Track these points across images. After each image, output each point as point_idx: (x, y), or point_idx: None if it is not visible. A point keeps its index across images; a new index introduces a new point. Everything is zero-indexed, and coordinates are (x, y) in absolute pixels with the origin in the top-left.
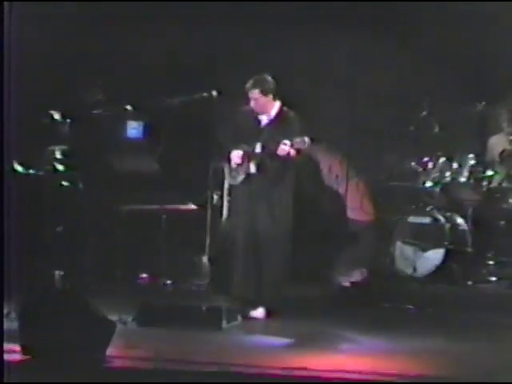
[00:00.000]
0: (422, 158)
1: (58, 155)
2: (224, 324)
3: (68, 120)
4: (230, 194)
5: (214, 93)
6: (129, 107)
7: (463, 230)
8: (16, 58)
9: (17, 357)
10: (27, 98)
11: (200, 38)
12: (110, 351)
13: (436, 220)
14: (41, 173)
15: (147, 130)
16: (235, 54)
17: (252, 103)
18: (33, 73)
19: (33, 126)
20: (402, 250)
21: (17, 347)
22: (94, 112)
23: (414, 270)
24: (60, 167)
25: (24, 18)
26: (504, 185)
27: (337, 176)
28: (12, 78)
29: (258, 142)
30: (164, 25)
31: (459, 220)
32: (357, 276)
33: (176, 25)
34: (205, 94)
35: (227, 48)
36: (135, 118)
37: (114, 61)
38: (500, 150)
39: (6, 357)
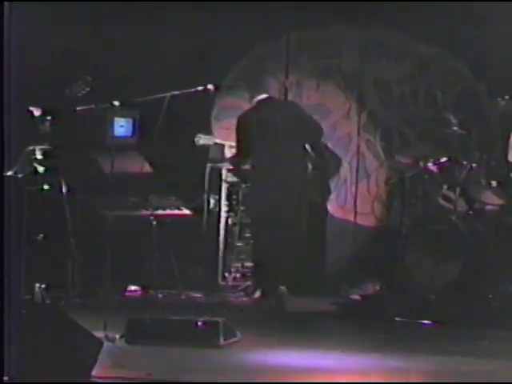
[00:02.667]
0: (439, 159)
1: (39, 156)
2: (221, 340)
3: (49, 117)
4: (228, 198)
5: (210, 86)
6: (116, 103)
7: (485, 239)
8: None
9: None
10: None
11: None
12: (96, 372)
13: (455, 227)
14: (19, 175)
15: (136, 127)
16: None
17: None
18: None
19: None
20: (418, 261)
21: None
22: (79, 108)
23: (431, 282)
24: (41, 169)
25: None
26: None
27: (345, 180)
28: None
29: None
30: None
31: (480, 227)
32: (368, 288)
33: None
34: (200, 88)
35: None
36: (123, 115)
37: (105, 55)
38: None
39: None
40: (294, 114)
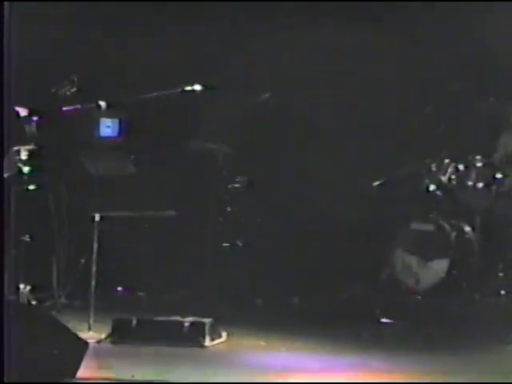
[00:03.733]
0: (425, 159)
1: (24, 156)
2: (207, 341)
3: (35, 117)
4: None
5: (198, 87)
6: (102, 103)
7: (470, 239)
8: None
9: None
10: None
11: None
12: (82, 373)
13: (440, 227)
14: (5, 175)
15: (123, 128)
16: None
17: None
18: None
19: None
20: (404, 260)
21: None
22: (65, 108)
23: (417, 281)
24: (26, 169)
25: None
26: None
27: None
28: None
29: None
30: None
31: (466, 227)
32: (356, 289)
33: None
34: (187, 88)
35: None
36: (109, 116)
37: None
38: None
39: None
40: None
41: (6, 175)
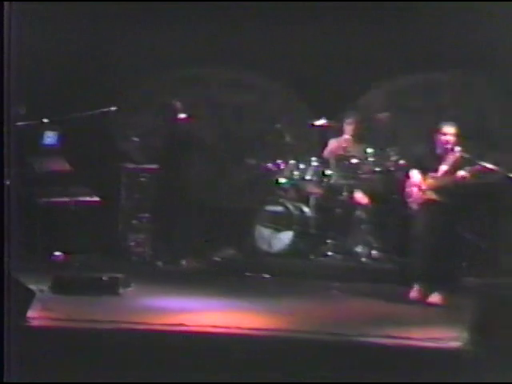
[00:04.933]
0: (276, 161)
1: None
2: (120, 290)
3: None
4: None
5: (113, 108)
6: (46, 120)
7: (308, 216)
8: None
9: None
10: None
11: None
12: (31, 313)
13: (287, 208)
14: None
15: (60, 138)
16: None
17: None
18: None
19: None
20: (261, 232)
21: None
22: (19, 123)
23: (270, 247)
24: None
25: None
26: (339, 181)
27: None
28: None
29: None
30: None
31: (305, 208)
32: (227, 252)
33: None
34: (105, 109)
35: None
36: (51, 129)
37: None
38: (336, 154)
39: None
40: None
41: None
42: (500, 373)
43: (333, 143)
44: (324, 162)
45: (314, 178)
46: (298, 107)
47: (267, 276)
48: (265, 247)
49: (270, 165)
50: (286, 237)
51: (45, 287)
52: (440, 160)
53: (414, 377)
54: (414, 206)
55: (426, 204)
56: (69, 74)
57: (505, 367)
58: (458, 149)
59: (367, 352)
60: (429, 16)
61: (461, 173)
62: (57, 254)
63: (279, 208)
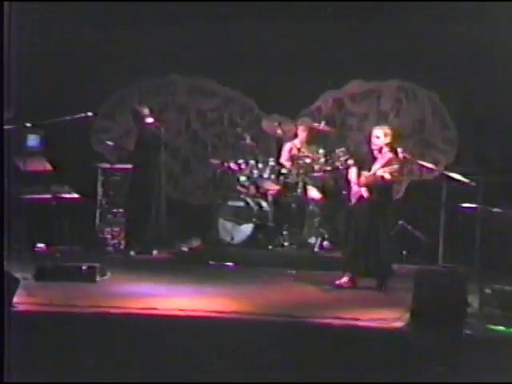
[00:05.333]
0: (237, 161)
1: None
2: (98, 278)
3: None
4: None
5: (90, 113)
6: (29, 124)
7: (266, 211)
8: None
9: None
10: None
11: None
12: (16, 299)
13: (247, 203)
14: None
15: (42, 141)
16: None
17: None
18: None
19: None
20: (224, 225)
21: None
22: (5, 127)
23: (232, 238)
24: None
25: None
26: (294, 179)
27: None
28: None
29: None
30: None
31: (263, 203)
32: (193, 243)
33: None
34: (82, 115)
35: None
36: (34, 133)
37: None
38: (291, 154)
39: None
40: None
41: None
42: (435, 348)
43: (288, 145)
44: (280, 162)
45: (272, 177)
46: (256, 112)
47: (230, 264)
48: (227, 238)
49: (231, 164)
50: (246, 229)
51: (29, 275)
52: (374, 160)
53: (361, 353)
54: (352, 201)
55: (360, 200)
56: (53, 79)
57: (439, 343)
58: (386, 150)
59: (319, 332)
60: (380, 29)
61: (379, 172)
62: (40, 245)
63: (240, 203)
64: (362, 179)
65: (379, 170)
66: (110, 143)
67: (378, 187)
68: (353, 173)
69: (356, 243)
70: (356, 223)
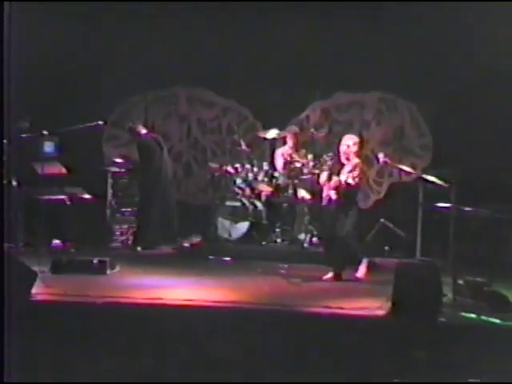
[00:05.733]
0: (234, 165)
1: None
2: (108, 271)
3: (5, 141)
4: (112, 188)
5: (100, 122)
6: (45, 132)
7: (260, 210)
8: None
9: None
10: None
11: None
12: (34, 290)
13: (243, 204)
14: None
15: (57, 147)
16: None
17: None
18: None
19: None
20: (222, 223)
21: None
22: (23, 135)
23: (230, 235)
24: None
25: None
26: (285, 182)
27: None
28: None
29: None
30: None
31: (258, 203)
32: (194, 240)
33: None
34: (94, 124)
35: None
36: (49, 140)
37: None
38: (282, 160)
39: None
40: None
41: None
42: (413, 333)
43: (279, 151)
44: (273, 166)
45: (265, 179)
46: (251, 121)
47: (227, 258)
48: (225, 235)
49: (229, 168)
50: (242, 227)
51: (45, 269)
52: (343, 166)
53: (346, 338)
54: (323, 203)
55: (329, 201)
56: (64, 88)
57: (417, 329)
58: (353, 157)
59: (309, 320)
60: (365, 46)
61: (335, 178)
62: (55, 241)
63: (237, 203)
64: (331, 183)
65: (345, 175)
66: (118, 160)
67: (344, 190)
68: (323, 177)
69: (327, 240)
70: (324, 222)
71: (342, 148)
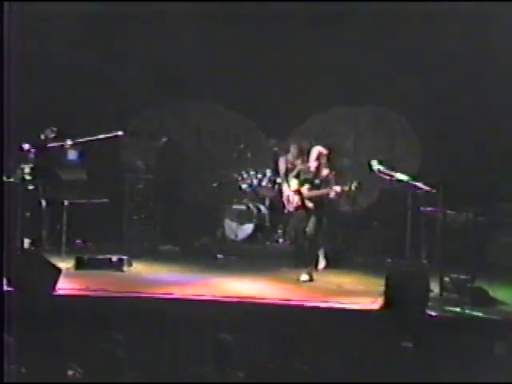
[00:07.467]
0: (241, 171)
1: (27, 170)
2: (125, 268)
3: (33, 149)
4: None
5: (120, 133)
6: (69, 141)
7: (264, 213)
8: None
9: None
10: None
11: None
12: (59, 285)
13: (248, 207)
14: (16, 181)
15: (80, 155)
16: None
17: None
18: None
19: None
20: (229, 225)
21: None
22: (49, 145)
23: (236, 236)
24: (27, 177)
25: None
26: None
27: None
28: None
29: None
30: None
31: (262, 207)
32: (203, 240)
33: None
34: (113, 134)
35: None
36: (73, 148)
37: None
38: (283, 168)
39: None
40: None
41: (16, 181)
42: (403, 326)
43: (282, 159)
44: (276, 173)
45: (269, 185)
46: (256, 132)
47: (234, 257)
48: (232, 236)
49: (235, 174)
50: (247, 228)
51: (69, 266)
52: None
53: (343, 330)
54: (291, 209)
55: (298, 207)
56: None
57: (406, 322)
58: (323, 167)
59: (308, 313)
60: (362, 61)
61: (301, 188)
62: (78, 241)
63: (243, 206)
64: (304, 190)
65: (316, 183)
66: (136, 156)
67: (315, 198)
68: (292, 184)
69: (297, 241)
70: (297, 226)
71: (313, 158)
